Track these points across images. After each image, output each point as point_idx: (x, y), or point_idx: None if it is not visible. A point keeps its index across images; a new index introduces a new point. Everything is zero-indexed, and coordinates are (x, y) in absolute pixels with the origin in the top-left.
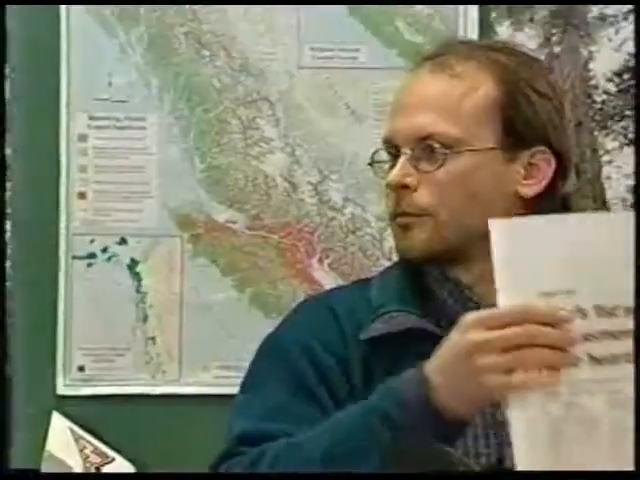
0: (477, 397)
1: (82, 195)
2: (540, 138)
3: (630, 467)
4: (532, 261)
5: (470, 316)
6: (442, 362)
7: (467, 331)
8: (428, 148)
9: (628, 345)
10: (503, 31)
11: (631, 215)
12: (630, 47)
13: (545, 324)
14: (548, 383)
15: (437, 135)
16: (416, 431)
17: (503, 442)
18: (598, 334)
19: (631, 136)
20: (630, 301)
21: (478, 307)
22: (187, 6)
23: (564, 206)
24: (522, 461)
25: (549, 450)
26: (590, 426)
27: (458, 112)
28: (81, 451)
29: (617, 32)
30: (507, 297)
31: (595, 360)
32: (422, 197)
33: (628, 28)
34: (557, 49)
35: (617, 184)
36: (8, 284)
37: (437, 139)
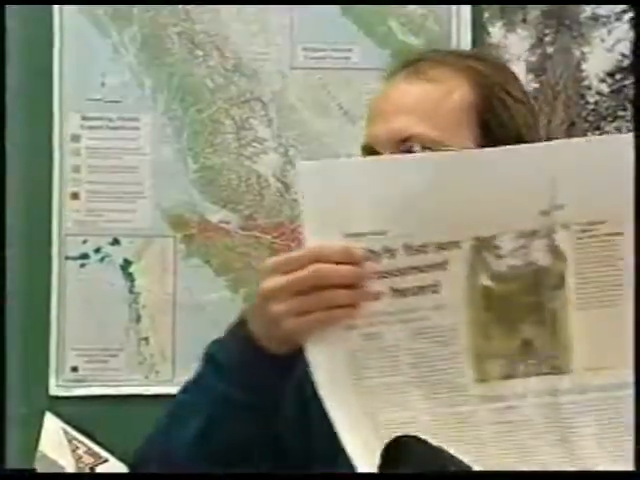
0: (283, 339)
1: (75, 195)
2: (515, 140)
3: (434, 389)
4: (340, 203)
5: (266, 262)
6: (252, 308)
7: (263, 278)
8: (408, 151)
9: (435, 277)
10: (496, 32)
11: (438, 156)
12: (623, 47)
13: (343, 264)
14: (344, 319)
15: (416, 137)
16: (241, 371)
17: None
18: (405, 269)
19: None
20: (441, 238)
21: None
22: (180, 6)
23: None
24: (326, 396)
25: (351, 382)
26: (390, 355)
27: (435, 115)
28: (74, 451)
29: (610, 32)
30: (313, 240)
31: (398, 292)
32: None
33: (621, 28)
34: (550, 49)
35: None
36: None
37: (416, 141)
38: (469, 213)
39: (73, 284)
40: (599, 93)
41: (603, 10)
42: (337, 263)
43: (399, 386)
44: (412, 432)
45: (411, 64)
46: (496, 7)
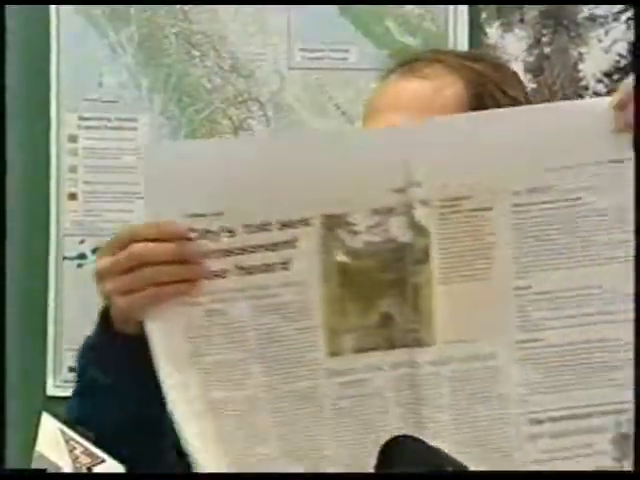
0: (121, 317)
1: (72, 196)
2: None
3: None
4: (180, 184)
5: (101, 244)
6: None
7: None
8: None
9: (285, 254)
10: (493, 32)
11: (280, 138)
12: (620, 48)
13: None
14: (174, 296)
15: None
16: (100, 352)
17: None
18: (249, 248)
19: None
20: (284, 216)
21: None
22: (177, 6)
23: None
24: (163, 370)
25: (190, 359)
26: (235, 331)
27: (428, 111)
28: (71, 452)
29: (607, 33)
30: (152, 220)
31: (245, 270)
32: None
33: (618, 29)
34: (547, 50)
35: None
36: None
37: None
38: (316, 191)
39: (70, 284)
40: (596, 93)
41: (600, 10)
42: (166, 241)
43: (241, 362)
44: (246, 409)
45: (407, 62)
46: (493, 7)
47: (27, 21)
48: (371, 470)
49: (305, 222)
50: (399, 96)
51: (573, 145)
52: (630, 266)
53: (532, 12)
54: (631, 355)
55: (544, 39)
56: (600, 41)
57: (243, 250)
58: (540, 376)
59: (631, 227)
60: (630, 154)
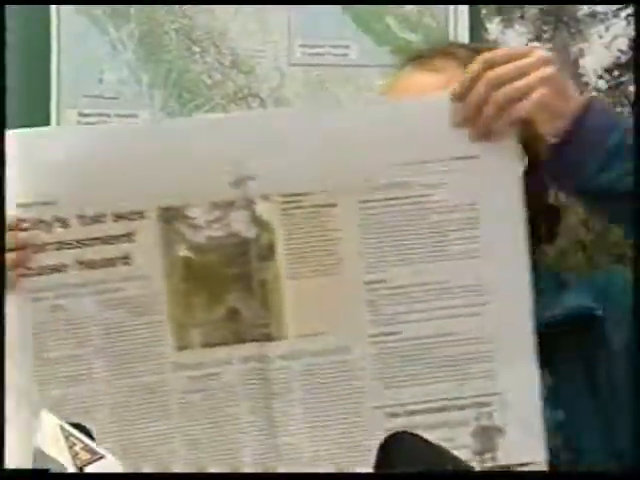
0: None
1: None
2: None
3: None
4: (16, 173)
5: None
6: None
7: None
8: None
9: (124, 249)
10: (493, 28)
11: (115, 127)
12: (620, 44)
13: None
14: None
15: None
16: None
17: None
18: (86, 240)
19: None
20: (118, 208)
21: None
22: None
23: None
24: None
25: (30, 355)
26: (79, 327)
27: None
28: (70, 448)
29: (607, 29)
30: None
31: (84, 264)
32: None
33: (618, 25)
34: (548, 46)
35: None
36: None
37: None
38: (150, 183)
39: None
40: (597, 89)
41: (601, 7)
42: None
43: (83, 358)
44: (85, 406)
45: (419, 55)
46: None
47: (27, 21)
48: (221, 464)
49: (140, 214)
50: (409, 89)
51: (417, 142)
52: (482, 261)
53: (532, 8)
54: (486, 348)
55: (545, 35)
56: (601, 37)
57: (81, 243)
58: (395, 369)
59: (483, 223)
60: (476, 151)
